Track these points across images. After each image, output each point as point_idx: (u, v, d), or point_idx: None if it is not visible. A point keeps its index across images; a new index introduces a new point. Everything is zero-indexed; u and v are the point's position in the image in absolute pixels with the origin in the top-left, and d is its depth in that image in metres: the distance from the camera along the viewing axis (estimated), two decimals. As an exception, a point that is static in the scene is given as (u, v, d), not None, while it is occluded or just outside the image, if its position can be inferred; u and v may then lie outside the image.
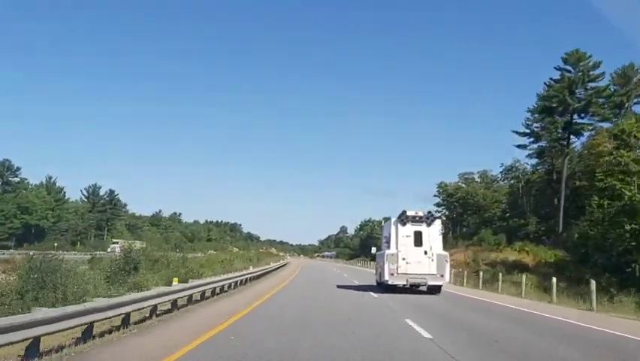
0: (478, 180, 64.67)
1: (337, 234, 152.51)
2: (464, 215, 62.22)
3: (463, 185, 63.89)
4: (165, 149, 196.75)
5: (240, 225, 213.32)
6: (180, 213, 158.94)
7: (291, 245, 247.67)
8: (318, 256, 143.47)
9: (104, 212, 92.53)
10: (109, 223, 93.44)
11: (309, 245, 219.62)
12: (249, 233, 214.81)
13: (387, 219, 21.94)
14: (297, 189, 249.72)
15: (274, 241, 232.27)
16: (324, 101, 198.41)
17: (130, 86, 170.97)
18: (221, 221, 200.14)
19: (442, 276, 17.27)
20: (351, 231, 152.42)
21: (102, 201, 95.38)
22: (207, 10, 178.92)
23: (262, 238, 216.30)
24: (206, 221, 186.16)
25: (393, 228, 17.87)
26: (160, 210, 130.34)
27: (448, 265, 17.58)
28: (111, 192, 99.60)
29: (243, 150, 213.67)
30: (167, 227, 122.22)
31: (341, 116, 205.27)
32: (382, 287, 18.44)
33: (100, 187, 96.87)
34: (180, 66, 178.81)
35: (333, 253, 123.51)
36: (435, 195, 65.76)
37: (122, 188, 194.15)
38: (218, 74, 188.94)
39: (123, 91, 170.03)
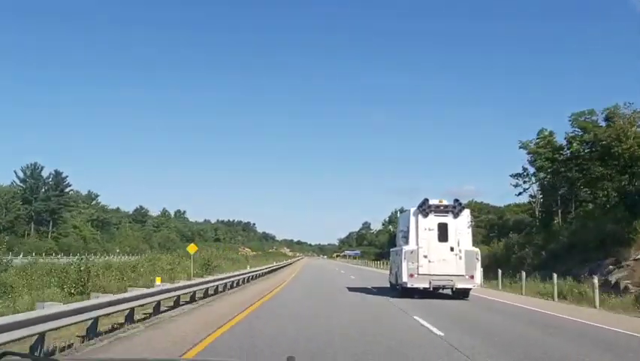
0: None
1: (359, 230, 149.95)
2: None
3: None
4: (174, 146, 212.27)
5: (254, 224, 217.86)
6: (185, 211, 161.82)
7: (310, 245, 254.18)
8: (338, 255, 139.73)
9: (46, 201, 73.43)
10: (55, 216, 74.72)
11: (329, 245, 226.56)
12: (264, 233, 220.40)
13: (402, 211, 20.46)
14: (316, 188, 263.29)
15: (291, 241, 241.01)
16: (345, 98, 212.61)
17: (141, 77, 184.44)
18: (234, 220, 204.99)
19: (472, 277, 16.05)
20: (375, 226, 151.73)
21: (46, 186, 76.35)
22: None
23: (278, 238, 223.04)
24: (218, 220, 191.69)
25: (412, 220, 16.58)
26: (141, 206, 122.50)
27: (478, 264, 16.20)
28: (57, 173, 78.59)
29: (260, 149, 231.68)
30: (159, 225, 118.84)
31: (362, 113, 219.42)
32: (398, 291, 17.39)
33: (41, 167, 76.66)
34: (197, 58, 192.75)
35: (357, 251, 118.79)
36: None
37: (121, 183, 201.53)
38: (235, 68, 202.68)
39: (133, 83, 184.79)
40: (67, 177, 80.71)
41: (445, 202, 17.16)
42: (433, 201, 16.86)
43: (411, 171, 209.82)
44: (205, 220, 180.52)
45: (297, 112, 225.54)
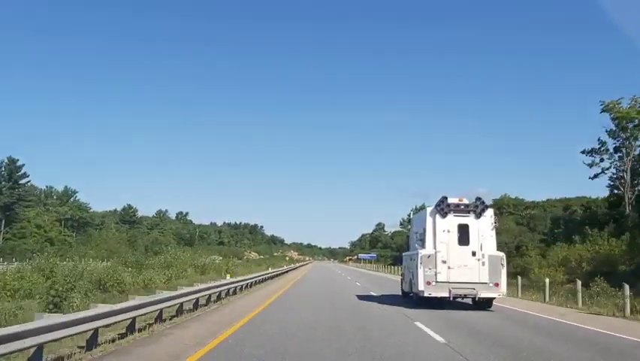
0: None
1: (373, 232, 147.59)
2: None
3: None
4: (180, 147, 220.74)
5: (262, 227, 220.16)
6: (187, 213, 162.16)
7: (320, 248, 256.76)
8: (350, 259, 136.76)
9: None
10: (9, 213, 66.99)
11: (340, 248, 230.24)
12: (272, 236, 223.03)
13: (418, 210, 19.48)
14: (327, 191, 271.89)
15: (301, 244, 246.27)
16: (358, 98, 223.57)
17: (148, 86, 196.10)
18: (240, 223, 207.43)
19: (497, 285, 15.21)
20: (390, 227, 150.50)
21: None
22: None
23: (287, 241, 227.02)
24: (225, 223, 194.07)
25: (429, 220, 15.75)
26: (129, 205, 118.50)
27: (504, 271, 15.18)
28: (11, 161, 68.95)
29: (269, 150, 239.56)
30: (153, 226, 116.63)
31: (376, 115, 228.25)
32: (413, 300, 16.65)
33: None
34: (203, 62, 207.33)
35: (373, 255, 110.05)
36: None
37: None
38: (242, 70, 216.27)
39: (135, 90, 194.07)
40: (22, 165, 70.37)
41: (465, 200, 16.17)
42: (452, 200, 15.95)
43: (425, 172, 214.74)
44: (212, 223, 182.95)
45: (307, 114, 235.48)
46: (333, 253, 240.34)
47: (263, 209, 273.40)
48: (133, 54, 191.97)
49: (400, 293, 20.48)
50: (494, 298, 15.61)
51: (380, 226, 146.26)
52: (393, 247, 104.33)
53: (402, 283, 20.36)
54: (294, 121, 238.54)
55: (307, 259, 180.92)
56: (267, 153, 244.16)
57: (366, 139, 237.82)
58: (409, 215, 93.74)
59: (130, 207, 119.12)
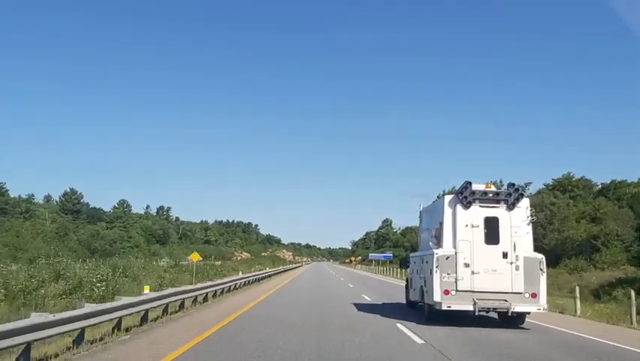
0: None
1: (379, 230, 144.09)
2: None
3: None
4: (174, 142, 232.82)
5: (257, 226, 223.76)
6: (169, 208, 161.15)
7: (319, 249, 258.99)
8: (353, 260, 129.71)
9: None
10: None
11: (340, 248, 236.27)
12: (268, 235, 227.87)
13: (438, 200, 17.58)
14: (327, 190, 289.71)
15: (299, 244, 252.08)
16: (358, 97, 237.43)
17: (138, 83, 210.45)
18: (233, 221, 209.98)
19: (535, 296, 13.24)
20: (399, 223, 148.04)
21: None
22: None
23: (284, 241, 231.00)
24: (216, 221, 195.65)
25: (448, 212, 13.99)
26: (72, 189, 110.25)
27: (543, 278, 13.39)
28: None
29: (267, 148, 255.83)
30: (113, 220, 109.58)
31: (376, 114, 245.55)
32: (424, 313, 14.85)
33: None
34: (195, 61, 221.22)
35: (389, 254, 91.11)
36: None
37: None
38: (244, 66, 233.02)
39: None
40: None
41: (494, 188, 14.12)
42: (477, 187, 14.03)
43: (428, 173, 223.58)
44: (203, 221, 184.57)
45: (305, 111, 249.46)
46: (332, 254, 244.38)
47: (259, 208, 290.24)
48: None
49: (405, 302, 19.08)
50: (528, 313, 13.65)
51: (387, 223, 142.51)
52: (406, 246, 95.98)
53: (407, 290, 18.81)
54: (293, 119, 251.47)
55: (305, 259, 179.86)
56: (265, 151, 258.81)
57: (368, 138, 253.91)
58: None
59: (73, 192, 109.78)
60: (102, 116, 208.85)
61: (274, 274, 47.26)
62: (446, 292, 13.27)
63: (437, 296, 13.32)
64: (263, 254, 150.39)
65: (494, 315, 14.60)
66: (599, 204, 58.54)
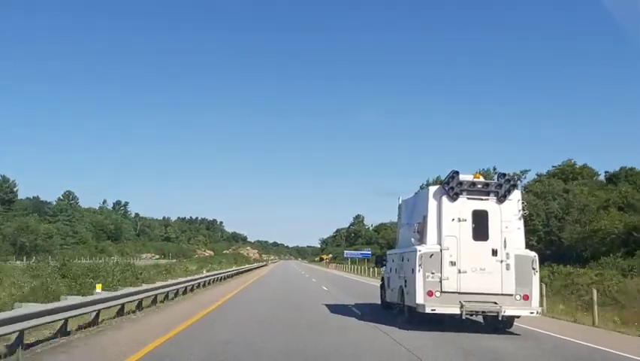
0: None
1: (350, 226, 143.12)
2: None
3: None
4: (133, 134, 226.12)
5: (222, 223, 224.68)
6: (127, 203, 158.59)
7: (287, 247, 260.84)
8: (324, 259, 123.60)
9: None
10: None
11: (309, 247, 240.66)
12: (234, 233, 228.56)
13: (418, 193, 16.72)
14: (295, 188, 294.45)
15: (265, 242, 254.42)
16: (328, 94, 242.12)
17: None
18: (196, 218, 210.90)
19: (527, 298, 12.57)
20: (371, 220, 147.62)
21: None
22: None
23: (251, 239, 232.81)
24: (178, 218, 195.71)
25: (432, 204, 13.17)
26: (4, 178, 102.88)
27: (536, 278, 12.76)
28: None
29: (236, 148, 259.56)
30: (56, 213, 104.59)
31: (344, 112, 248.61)
32: (404, 316, 14.01)
33: None
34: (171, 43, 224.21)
35: (368, 252, 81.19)
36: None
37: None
38: (214, 65, 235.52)
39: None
40: None
41: (482, 179, 13.33)
42: (465, 177, 13.24)
43: (400, 172, 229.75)
44: (165, 217, 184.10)
45: (275, 109, 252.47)
46: (301, 253, 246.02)
47: (225, 205, 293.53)
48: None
49: (380, 303, 18.33)
50: (518, 316, 12.94)
51: (359, 219, 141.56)
52: (381, 243, 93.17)
53: (382, 290, 18.04)
54: (263, 116, 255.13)
55: (272, 258, 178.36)
56: (233, 148, 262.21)
57: (337, 137, 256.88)
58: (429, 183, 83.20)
59: (5, 180, 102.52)
60: (66, 107, 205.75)
61: (229, 277, 38.83)
62: (430, 294, 12.40)
63: (420, 298, 12.43)
64: (225, 252, 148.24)
65: (479, 318, 13.78)
66: (626, 190, 52.04)
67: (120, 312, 14.02)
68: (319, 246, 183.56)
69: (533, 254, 12.89)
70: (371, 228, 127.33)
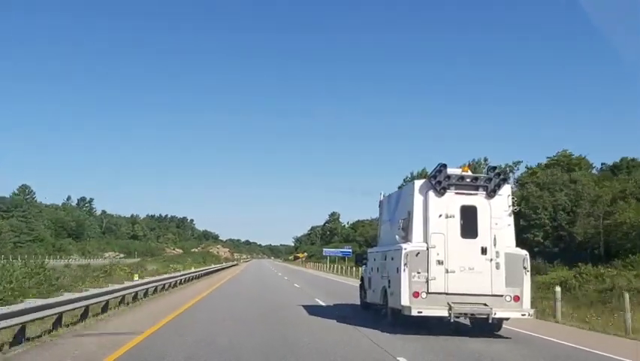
0: None
1: (326, 224, 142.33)
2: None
3: None
4: (105, 132, 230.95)
5: (192, 221, 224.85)
6: (92, 200, 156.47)
7: (260, 246, 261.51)
8: (299, 258, 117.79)
9: None
10: None
11: (282, 245, 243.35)
12: (205, 231, 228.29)
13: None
14: (269, 187, 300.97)
15: (238, 240, 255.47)
16: (298, 91, 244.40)
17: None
18: (166, 216, 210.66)
19: (517, 299, 12.17)
20: (347, 218, 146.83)
21: None
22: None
23: (222, 238, 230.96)
24: (147, 215, 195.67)
25: (418, 200, 12.68)
26: None
27: (527, 278, 12.38)
28: None
29: (209, 145, 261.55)
30: (8, 209, 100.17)
31: (317, 112, 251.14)
32: (387, 318, 13.57)
33: None
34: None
35: (348, 250, 76.40)
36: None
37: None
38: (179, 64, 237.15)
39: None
40: None
41: (470, 173, 12.97)
42: (453, 171, 12.74)
43: (378, 170, 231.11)
44: (134, 215, 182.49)
45: (248, 108, 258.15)
46: (274, 251, 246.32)
47: (197, 203, 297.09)
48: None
49: (359, 304, 17.97)
50: (506, 318, 12.46)
51: (335, 217, 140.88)
52: (359, 240, 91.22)
53: (362, 290, 17.65)
54: (237, 115, 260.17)
55: (244, 257, 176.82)
56: (206, 146, 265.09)
57: (311, 135, 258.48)
58: (413, 175, 77.66)
59: None
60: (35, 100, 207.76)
61: (189, 280, 31.81)
62: (415, 295, 11.89)
63: (405, 300, 11.91)
64: (193, 250, 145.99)
65: (465, 320, 13.33)
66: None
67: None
68: (293, 244, 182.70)
69: (524, 252, 12.47)
70: (347, 225, 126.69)
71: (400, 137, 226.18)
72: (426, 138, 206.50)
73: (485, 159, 69.84)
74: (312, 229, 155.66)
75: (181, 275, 30.27)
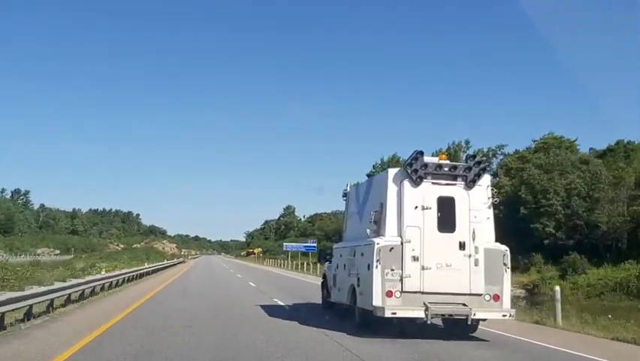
0: None
1: (280, 218, 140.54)
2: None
3: None
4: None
5: (138, 215, 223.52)
6: (27, 192, 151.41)
7: (210, 241, 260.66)
8: (258, 254, 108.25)
9: None
10: None
11: (232, 241, 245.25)
12: (152, 226, 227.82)
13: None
14: (219, 182, 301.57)
15: (187, 236, 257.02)
16: (254, 87, 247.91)
17: None
18: (110, 210, 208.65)
19: (497, 299, 11.62)
20: (302, 211, 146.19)
21: None
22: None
23: (171, 233, 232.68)
24: (91, 210, 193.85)
25: (392, 190, 12.01)
26: None
27: (507, 276, 11.86)
28: None
29: (157, 139, 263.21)
30: None
31: (273, 105, 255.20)
32: (355, 319, 12.89)
33: None
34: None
35: (313, 244, 69.07)
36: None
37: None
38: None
39: None
40: None
41: (448, 161, 12.32)
42: (429, 159, 12.09)
43: (327, 166, 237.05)
44: (77, 209, 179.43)
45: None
46: (224, 247, 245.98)
47: (143, 197, 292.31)
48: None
49: (321, 303, 17.27)
50: (483, 319, 11.86)
51: (290, 210, 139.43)
52: (318, 235, 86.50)
53: (325, 288, 16.89)
54: (190, 110, 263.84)
55: (193, 253, 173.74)
56: (154, 139, 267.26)
57: (263, 130, 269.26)
58: (386, 159, 75.54)
59: None
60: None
61: (110, 287, 23.01)
62: (389, 294, 11.19)
63: (377, 299, 11.19)
64: (135, 246, 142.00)
65: (437, 320, 12.72)
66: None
67: None
68: (245, 240, 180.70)
69: (504, 248, 11.93)
70: (304, 219, 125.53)
71: (363, 132, 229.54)
72: (396, 125, 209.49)
73: (467, 142, 68.18)
74: (266, 223, 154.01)
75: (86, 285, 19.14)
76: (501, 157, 64.74)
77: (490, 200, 12.23)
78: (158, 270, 44.26)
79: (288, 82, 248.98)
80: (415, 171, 11.67)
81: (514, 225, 42.15)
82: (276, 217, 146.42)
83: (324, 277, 17.53)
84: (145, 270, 36.69)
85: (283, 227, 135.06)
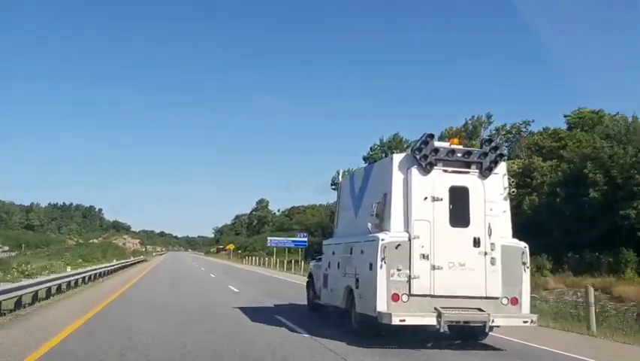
0: None
1: (253, 212, 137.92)
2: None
3: None
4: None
5: (101, 210, 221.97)
6: None
7: (176, 237, 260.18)
8: (230, 250, 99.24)
9: None
10: None
11: (200, 237, 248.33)
12: (115, 222, 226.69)
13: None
14: (185, 178, 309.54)
15: (152, 232, 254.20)
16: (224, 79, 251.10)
17: None
18: (70, 204, 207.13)
19: (515, 302, 10.65)
20: (277, 205, 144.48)
21: None
22: None
23: (135, 229, 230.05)
24: (50, 204, 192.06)
25: (397, 178, 10.92)
26: None
27: (526, 276, 10.90)
28: None
29: (122, 132, 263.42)
30: None
31: (243, 98, 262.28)
32: (353, 326, 11.82)
33: None
34: None
35: (303, 239, 59.87)
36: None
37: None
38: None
39: None
40: None
41: (461, 147, 11.46)
42: (440, 144, 11.23)
43: (297, 162, 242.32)
44: (35, 203, 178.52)
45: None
46: (191, 243, 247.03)
47: (106, 191, 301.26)
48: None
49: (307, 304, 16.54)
50: (495, 326, 10.84)
51: (263, 204, 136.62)
52: (297, 229, 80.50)
53: (311, 289, 16.07)
54: (153, 102, 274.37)
55: (159, 249, 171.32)
56: (120, 132, 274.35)
57: (232, 124, 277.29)
58: (382, 142, 71.77)
59: None
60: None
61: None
62: (395, 298, 10.16)
63: (382, 304, 10.14)
64: (92, 241, 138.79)
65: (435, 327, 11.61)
66: None
67: None
68: (213, 235, 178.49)
69: (523, 245, 10.99)
70: (279, 213, 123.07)
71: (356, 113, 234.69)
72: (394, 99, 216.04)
73: (489, 116, 64.28)
74: (237, 218, 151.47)
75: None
76: (525, 135, 58.57)
77: (507, 190, 11.30)
78: (103, 274, 30.09)
79: (254, 74, 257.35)
80: (424, 156, 10.63)
81: (578, 212, 36.88)
82: (248, 212, 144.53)
83: (310, 276, 16.58)
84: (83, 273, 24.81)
85: (256, 222, 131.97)
